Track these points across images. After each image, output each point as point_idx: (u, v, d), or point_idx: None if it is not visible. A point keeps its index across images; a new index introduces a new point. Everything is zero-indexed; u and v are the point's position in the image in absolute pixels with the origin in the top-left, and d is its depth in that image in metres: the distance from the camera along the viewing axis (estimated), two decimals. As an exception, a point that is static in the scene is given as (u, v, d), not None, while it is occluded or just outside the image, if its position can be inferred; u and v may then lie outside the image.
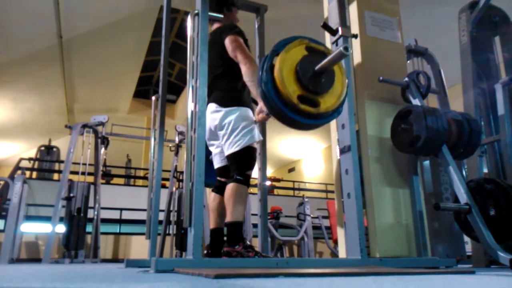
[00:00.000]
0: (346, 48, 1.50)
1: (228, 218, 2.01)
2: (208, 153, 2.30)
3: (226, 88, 2.18)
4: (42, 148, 8.83)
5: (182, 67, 10.63)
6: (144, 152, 11.25)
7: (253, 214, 5.76)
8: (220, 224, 2.20)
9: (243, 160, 2.09)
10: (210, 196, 2.26)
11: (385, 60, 2.51)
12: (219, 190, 2.23)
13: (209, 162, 2.26)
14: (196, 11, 1.82)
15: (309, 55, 1.65)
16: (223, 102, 2.14)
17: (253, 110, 2.21)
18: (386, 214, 2.24)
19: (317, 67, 1.61)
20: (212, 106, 2.17)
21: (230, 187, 2.04)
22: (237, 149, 2.07)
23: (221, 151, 2.23)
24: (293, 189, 10.96)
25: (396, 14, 2.67)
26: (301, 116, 1.61)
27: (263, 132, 2.53)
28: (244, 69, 2.05)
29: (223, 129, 2.11)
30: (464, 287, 1.01)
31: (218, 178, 2.27)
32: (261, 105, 2.04)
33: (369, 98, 2.40)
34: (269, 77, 1.61)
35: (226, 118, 2.10)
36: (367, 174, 2.28)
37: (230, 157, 2.11)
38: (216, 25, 2.34)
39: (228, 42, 2.14)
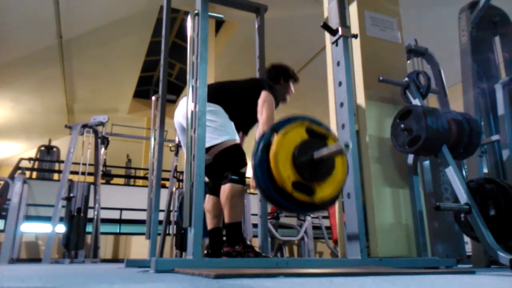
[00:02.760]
0: (347, 146, 1.41)
1: (227, 219, 2.00)
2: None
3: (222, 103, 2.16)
4: (42, 148, 8.84)
5: (182, 67, 10.62)
6: (144, 152, 11.24)
7: (253, 214, 5.76)
8: (217, 224, 2.19)
9: (235, 158, 2.07)
10: (205, 198, 2.25)
11: (385, 60, 2.51)
12: (212, 191, 2.21)
13: None
14: (196, 11, 1.82)
15: (308, 140, 1.57)
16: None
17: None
18: (386, 214, 2.24)
19: (315, 156, 1.52)
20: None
21: (226, 188, 2.01)
22: (218, 141, 2.03)
23: None
24: (293, 189, 10.93)
25: (396, 14, 2.67)
26: (294, 204, 1.53)
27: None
28: (261, 126, 2.09)
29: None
30: (464, 287, 1.01)
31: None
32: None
33: (369, 98, 2.40)
34: (264, 158, 1.53)
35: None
36: (367, 174, 2.28)
37: (220, 156, 2.07)
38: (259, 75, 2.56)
39: (264, 95, 2.17)
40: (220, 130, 2.04)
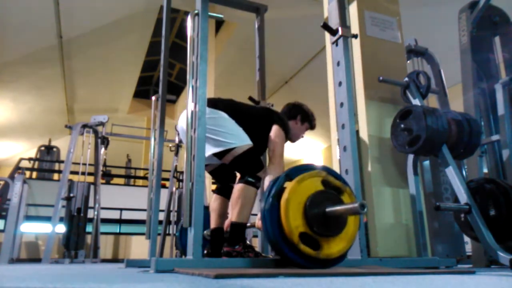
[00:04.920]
0: (362, 207, 1.36)
1: (233, 218, 1.98)
2: None
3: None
4: (42, 148, 8.84)
5: (182, 67, 10.63)
6: (144, 152, 11.25)
7: (253, 214, 5.76)
8: (221, 224, 2.19)
9: (252, 162, 2.05)
10: (212, 197, 2.26)
11: (385, 60, 2.51)
12: (221, 191, 2.22)
13: None
14: (196, 11, 1.82)
15: (323, 192, 1.52)
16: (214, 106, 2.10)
17: None
18: (386, 214, 2.24)
19: (328, 210, 1.48)
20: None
21: (239, 188, 2.00)
22: (231, 146, 2.01)
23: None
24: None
25: (396, 14, 2.67)
26: (299, 256, 1.46)
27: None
28: (271, 167, 2.06)
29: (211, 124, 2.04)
30: (464, 287, 1.01)
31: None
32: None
33: (369, 98, 2.40)
34: (274, 204, 1.50)
35: (213, 116, 2.04)
36: (367, 174, 2.28)
37: (237, 160, 2.04)
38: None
39: (276, 130, 2.15)
40: (231, 134, 2.03)
